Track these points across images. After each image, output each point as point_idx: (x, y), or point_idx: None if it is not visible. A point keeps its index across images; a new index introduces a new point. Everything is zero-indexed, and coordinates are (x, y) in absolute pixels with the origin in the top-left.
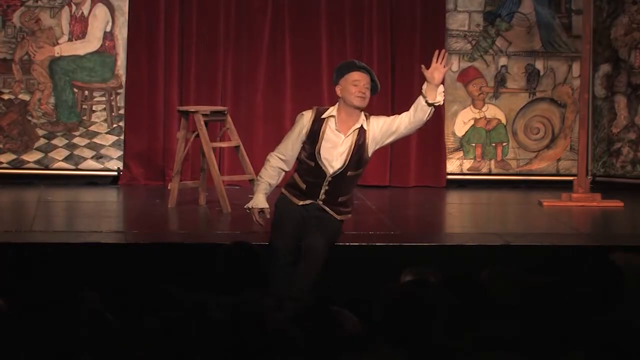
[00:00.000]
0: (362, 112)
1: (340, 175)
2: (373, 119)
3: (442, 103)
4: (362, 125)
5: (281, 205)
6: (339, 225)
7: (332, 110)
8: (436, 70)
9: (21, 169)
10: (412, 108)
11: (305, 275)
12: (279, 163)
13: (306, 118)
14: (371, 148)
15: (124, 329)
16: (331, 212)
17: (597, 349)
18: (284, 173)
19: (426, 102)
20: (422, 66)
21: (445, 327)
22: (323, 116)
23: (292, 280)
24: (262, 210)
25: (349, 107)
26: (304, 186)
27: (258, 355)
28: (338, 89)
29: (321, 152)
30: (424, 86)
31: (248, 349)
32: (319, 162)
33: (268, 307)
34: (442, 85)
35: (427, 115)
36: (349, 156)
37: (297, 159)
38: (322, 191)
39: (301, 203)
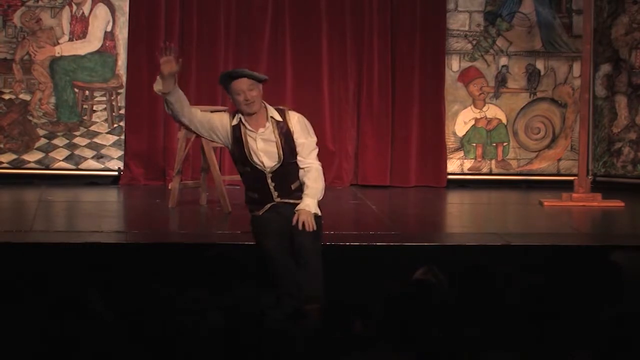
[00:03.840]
0: (267, 106)
1: (280, 169)
2: (292, 114)
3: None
4: (274, 118)
5: (254, 221)
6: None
7: (238, 115)
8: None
9: (22, 168)
10: (302, 175)
11: (311, 274)
12: (195, 109)
13: (226, 118)
14: (296, 138)
15: (124, 328)
16: (292, 202)
17: (598, 349)
18: (184, 104)
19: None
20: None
21: (446, 326)
22: (233, 123)
23: (303, 280)
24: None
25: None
26: (256, 195)
27: (259, 355)
28: (231, 99)
29: (252, 153)
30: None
31: (248, 349)
32: (253, 163)
33: (270, 306)
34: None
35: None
36: (282, 149)
37: (239, 172)
38: (271, 189)
39: (263, 211)
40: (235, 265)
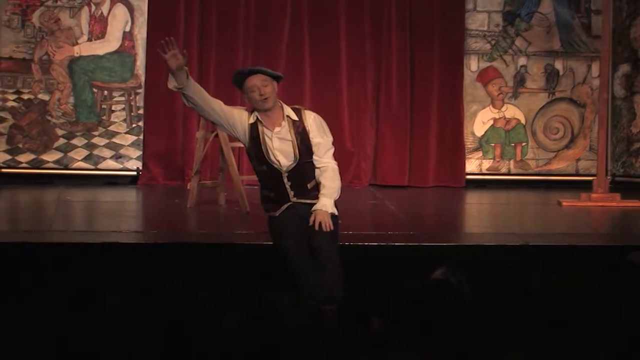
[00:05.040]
0: (284, 105)
1: (296, 168)
2: (308, 113)
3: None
4: (290, 117)
5: (271, 222)
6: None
7: (255, 113)
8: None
9: (40, 168)
10: (318, 174)
11: (329, 275)
12: (215, 100)
13: (245, 116)
14: (312, 137)
15: (142, 328)
16: (309, 201)
17: (616, 349)
18: (203, 94)
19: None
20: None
21: (463, 326)
22: (250, 122)
23: (321, 281)
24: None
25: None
26: (272, 194)
27: (278, 355)
28: (246, 98)
29: (268, 152)
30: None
31: (267, 349)
32: (269, 162)
33: (289, 306)
34: (330, 205)
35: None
36: (297, 148)
37: (254, 170)
38: (288, 188)
39: (279, 212)
40: (253, 265)
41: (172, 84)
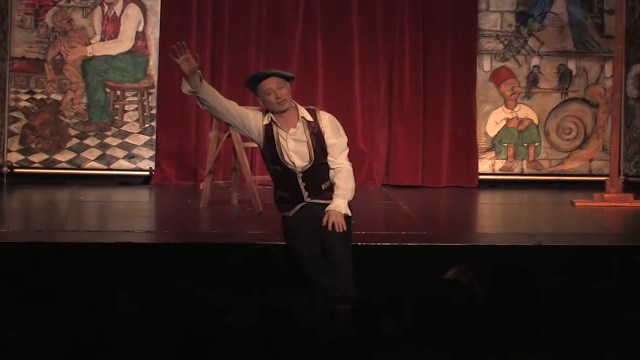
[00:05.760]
0: (298, 106)
1: (311, 168)
2: (322, 114)
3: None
4: (305, 118)
5: (284, 222)
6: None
7: (269, 114)
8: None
9: (53, 168)
10: (332, 175)
11: (342, 275)
12: (229, 101)
13: (259, 117)
14: (326, 138)
15: (155, 327)
16: (323, 202)
17: (628, 349)
18: (217, 96)
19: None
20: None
21: (476, 326)
22: (265, 122)
23: (334, 281)
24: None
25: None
26: (286, 194)
27: (290, 355)
28: (259, 100)
29: (283, 153)
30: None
31: (279, 348)
32: (284, 163)
33: (302, 306)
34: (344, 206)
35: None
36: (313, 149)
37: (268, 170)
38: (302, 188)
39: (293, 211)
40: (266, 265)
41: (185, 88)
